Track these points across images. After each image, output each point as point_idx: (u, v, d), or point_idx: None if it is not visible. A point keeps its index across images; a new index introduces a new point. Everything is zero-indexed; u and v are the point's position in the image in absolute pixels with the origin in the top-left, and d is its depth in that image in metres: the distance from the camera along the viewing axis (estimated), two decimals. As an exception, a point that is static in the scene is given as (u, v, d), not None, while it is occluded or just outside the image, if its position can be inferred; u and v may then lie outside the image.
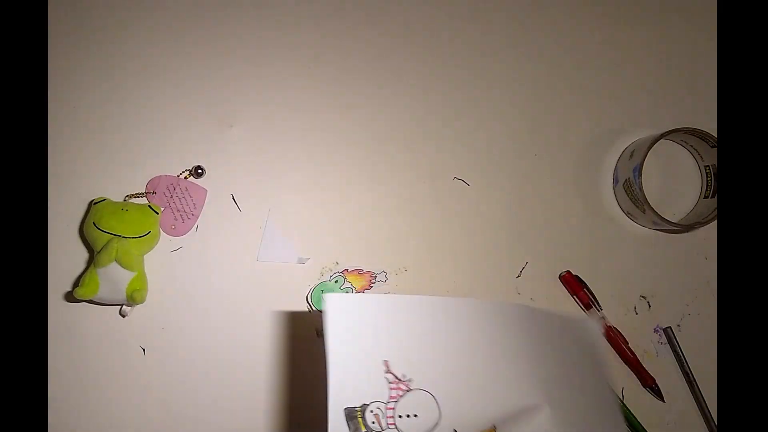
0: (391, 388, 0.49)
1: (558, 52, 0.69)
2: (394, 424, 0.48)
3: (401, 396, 0.49)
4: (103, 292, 0.58)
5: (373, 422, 0.48)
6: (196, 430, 0.61)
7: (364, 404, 0.47)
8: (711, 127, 0.63)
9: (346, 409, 0.47)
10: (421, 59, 0.68)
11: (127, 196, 0.63)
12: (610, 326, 0.64)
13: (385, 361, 0.49)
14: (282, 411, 0.62)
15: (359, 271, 0.64)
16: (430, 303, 0.50)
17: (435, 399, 0.49)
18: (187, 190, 0.64)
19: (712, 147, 0.64)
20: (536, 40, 0.69)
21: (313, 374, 0.62)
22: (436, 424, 0.49)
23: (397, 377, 0.49)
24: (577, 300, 0.65)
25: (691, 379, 0.64)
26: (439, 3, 0.69)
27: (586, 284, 0.65)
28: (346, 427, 0.47)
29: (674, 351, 0.65)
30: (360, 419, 0.47)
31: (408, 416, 0.48)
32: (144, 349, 0.62)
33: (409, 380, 0.49)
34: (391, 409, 0.48)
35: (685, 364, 0.64)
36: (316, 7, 0.68)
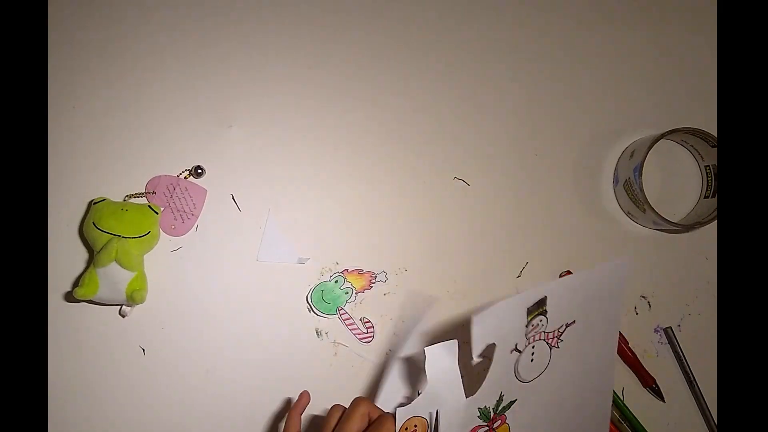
0: (554, 329, 0.50)
1: (558, 52, 0.69)
2: (527, 343, 0.49)
3: (551, 337, 0.50)
4: (102, 292, 0.58)
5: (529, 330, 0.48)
6: (196, 430, 0.61)
7: (544, 307, 0.48)
8: (711, 127, 0.63)
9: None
10: (422, 60, 0.68)
11: (127, 196, 0.63)
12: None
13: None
14: (282, 411, 0.62)
15: (359, 271, 0.64)
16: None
17: (549, 374, 0.51)
18: (186, 190, 0.64)
19: (712, 147, 0.64)
20: (536, 40, 0.69)
21: (313, 374, 0.63)
22: (520, 387, 0.50)
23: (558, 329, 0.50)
24: (578, 300, 0.65)
25: (691, 379, 0.64)
26: (439, 3, 0.69)
27: (586, 284, 0.65)
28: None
29: (674, 351, 0.65)
30: (535, 314, 0.48)
31: (532, 355, 0.49)
32: (144, 349, 0.62)
33: (561, 337, 0.50)
34: (541, 334, 0.49)
35: (685, 364, 0.64)
36: (316, 7, 0.68)
